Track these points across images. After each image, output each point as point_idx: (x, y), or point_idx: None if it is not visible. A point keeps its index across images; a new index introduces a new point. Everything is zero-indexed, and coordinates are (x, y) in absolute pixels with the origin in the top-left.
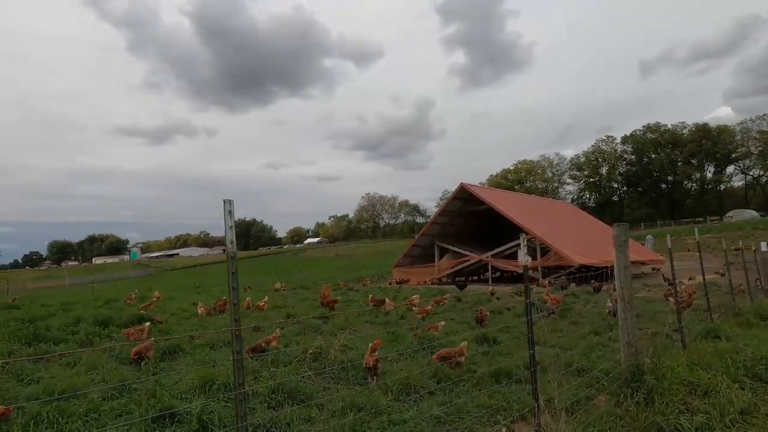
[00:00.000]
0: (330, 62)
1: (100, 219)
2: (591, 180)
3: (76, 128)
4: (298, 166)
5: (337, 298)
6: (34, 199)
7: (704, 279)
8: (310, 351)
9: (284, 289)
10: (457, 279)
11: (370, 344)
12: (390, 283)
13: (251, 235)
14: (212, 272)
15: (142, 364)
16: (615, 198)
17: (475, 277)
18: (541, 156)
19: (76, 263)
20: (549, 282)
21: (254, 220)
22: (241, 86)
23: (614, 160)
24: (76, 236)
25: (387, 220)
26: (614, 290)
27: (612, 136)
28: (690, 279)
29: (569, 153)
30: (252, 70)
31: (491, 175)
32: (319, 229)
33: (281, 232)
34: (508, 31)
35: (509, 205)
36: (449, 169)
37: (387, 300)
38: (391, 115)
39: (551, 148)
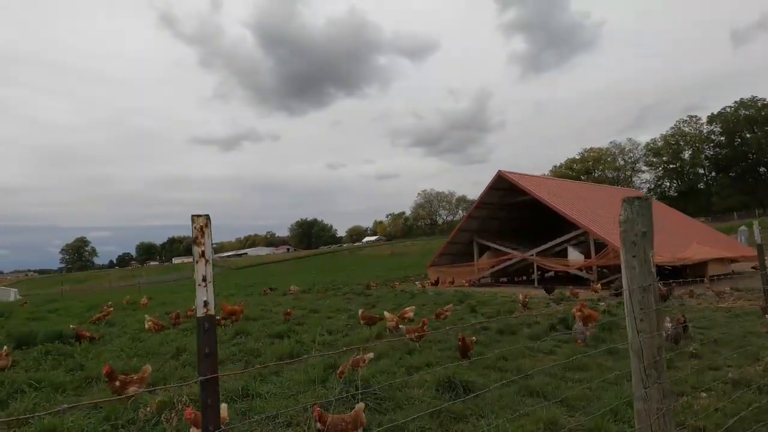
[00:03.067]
0: (384, 60)
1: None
2: (671, 166)
3: (158, 140)
4: (357, 165)
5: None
6: (127, 206)
7: None
8: None
9: (294, 292)
10: (501, 279)
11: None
12: (423, 286)
13: (312, 234)
14: (273, 270)
15: None
16: (701, 185)
17: (523, 277)
18: (611, 143)
19: (157, 263)
20: (601, 285)
21: (315, 219)
22: (300, 90)
23: (699, 143)
24: (161, 238)
25: (444, 217)
26: (689, 297)
27: (696, 116)
28: None
29: (644, 138)
30: (309, 74)
31: (555, 166)
32: (377, 227)
33: (341, 231)
34: (573, 10)
35: (556, 194)
36: (511, 161)
37: (387, 314)
38: (448, 108)
39: (623, 133)
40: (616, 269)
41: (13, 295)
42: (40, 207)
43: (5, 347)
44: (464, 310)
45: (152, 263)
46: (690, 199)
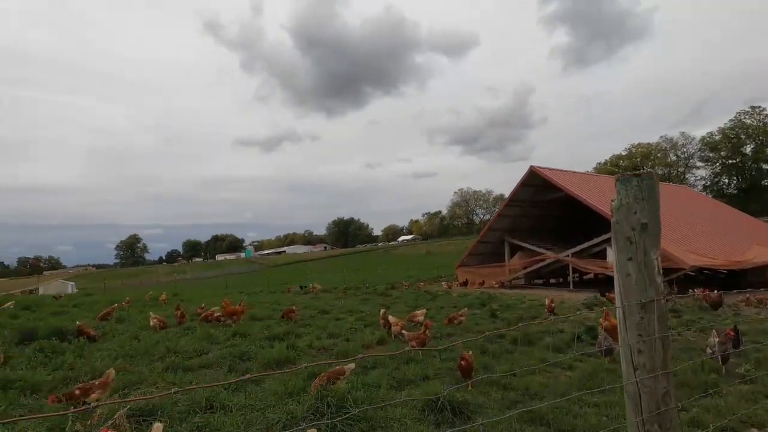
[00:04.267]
0: (422, 58)
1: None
2: (730, 161)
3: (203, 142)
4: (395, 164)
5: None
6: (176, 205)
7: None
8: None
9: (315, 291)
10: (534, 281)
11: None
12: (449, 287)
13: (349, 233)
14: (308, 268)
15: None
16: (765, 182)
17: (559, 279)
18: (661, 137)
19: (202, 260)
20: None
21: (352, 218)
22: (338, 91)
23: (763, 136)
24: (206, 236)
25: (481, 216)
26: (746, 305)
27: (760, 107)
28: None
29: (699, 132)
30: (347, 74)
31: (599, 163)
32: (413, 227)
33: (377, 230)
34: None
35: (593, 190)
36: (554, 158)
37: (392, 318)
38: (487, 105)
39: (676, 127)
40: (665, 272)
41: (70, 288)
42: (99, 206)
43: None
44: (483, 315)
45: (197, 260)
46: (752, 197)
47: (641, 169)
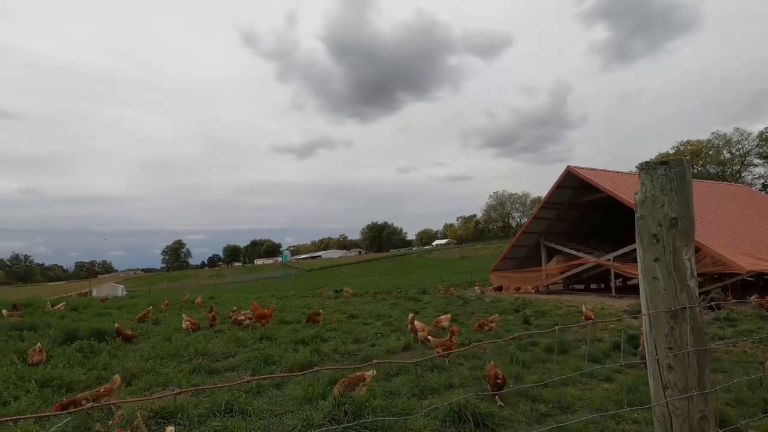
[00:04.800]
0: (455, 60)
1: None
2: None
3: (242, 150)
4: (428, 168)
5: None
6: (217, 211)
7: None
8: None
9: (347, 295)
10: (574, 286)
11: None
12: (482, 292)
13: (383, 237)
14: (343, 272)
15: None
16: None
17: (601, 285)
18: (713, 134)
19: (241, 264)
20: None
21: (386, 223)
22: (371, 97)
23: None
24: (245, 241)
25: (518, 219)
26: None
27: None
28: None
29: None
30: (380, 80)
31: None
32: (447, 231)
33: (411, 234)
34: None
35: (635, 190)
36: (594, 159)
37: (418, 324)
38: (523, 106)
39: (730, 123)
40: (714, 278)
41: (120, 291)
42: (147, 213)
43: (39, 344)
44: (516, 321)
45: (236, 264)
46: None
47: (692, 168)
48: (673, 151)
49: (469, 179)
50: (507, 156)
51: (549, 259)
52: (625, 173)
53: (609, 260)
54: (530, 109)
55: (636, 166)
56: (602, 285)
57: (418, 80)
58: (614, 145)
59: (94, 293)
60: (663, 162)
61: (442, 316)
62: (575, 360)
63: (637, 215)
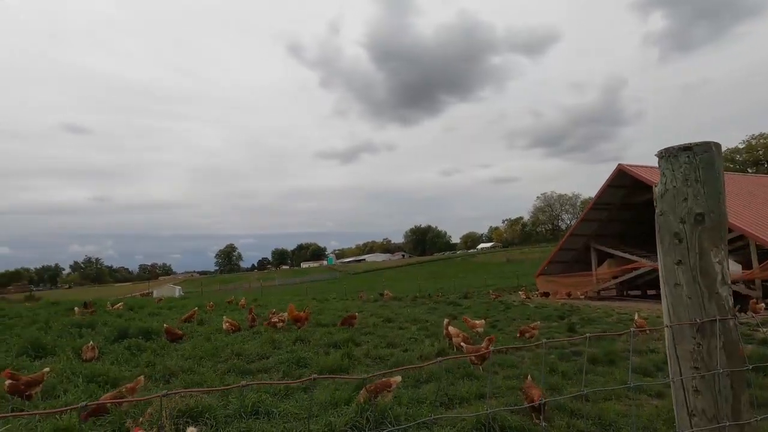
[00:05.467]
0: (498, 59)
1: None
2: None
3: (288, 157)
4: (472, 170)
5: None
6: (266, 216)
7: None
8: None
9: (386, 298)
10: (627, 292)
11: None
12: (527, 297)
13: (426, 241)
14: (386, 276)
15: None
16: None
17: (659, 291)
18: None
19: (288, 267)
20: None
21: (429, 226)
22: (413, 100)
23: None
24: (292, 244)
25: (568, 222)
26: None
27: None
28: None
29: None
30: (422, 82)
31: None
32: (493, 234)
33: (455, 238)
34: None
35: None
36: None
37: (452, 329)
38: (572, 103)
39: None
40: None
41: (177, 291)
42: (202, 218)
43: (91, 341)
44: (560, 329)
45: (284, 267)
46: None
47: (764, 164)
48: (743, 145)
49: (515, 181)
50: (555, 156)
51: (600, 263)
52: None
53: None
54: (580, 107)
55: (655, 155)
56: (660, 291)
57: (461, 81)
58: (673, 141)
59: (155, 294)
60: (686, 147)
61: (477, 321)
62: (622, 372)
63: (657, 211)
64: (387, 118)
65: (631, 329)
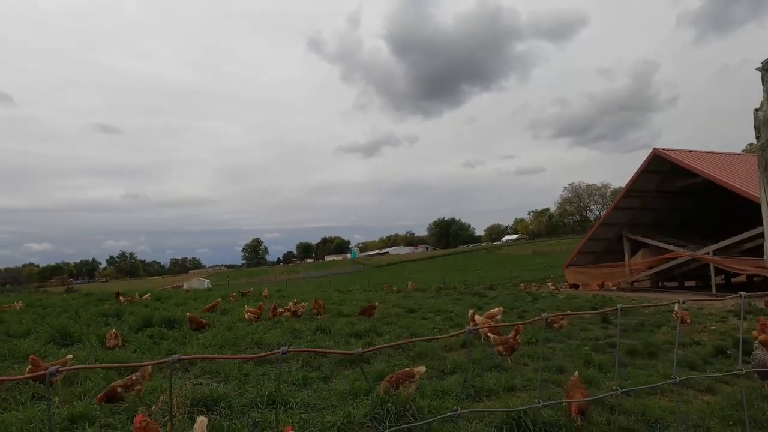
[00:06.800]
0: (522, 46)
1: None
2: None
3: (310, 152)
4: (496, 161)
5: None
6: (290, 211)
7: None
8: None
9: (410, 290)
10: (663, 283)
11: None
12: (555, 288)
13: (450, 233)
14: (410, 269)
15: None
16: None
17: (698, 282)
18: None
19: (312, 261)
20: None
21: (453, 219)
22: (433, 92)
23: None
24: (315, 238)
25: (597, 213)
26: None
27: None
28: None
29: None
30: (443, 73)
31: (750, 145)
32: (518, 225)
33: (479, 230)
34: None
35: (741, 172)
36: (686, 144)
37: (479, 318)
38: (600, 90)
39: None
40: None
41: (206, 284)
42: (229, 214)
43: (114, 329)
44: (593, 320)
45: (308, 260)
46: None
47: None
48: None
49: (541, 171)
50: (582, 145)
51: (633, 253)
52: (728, 153)
53: (708, 254)
54: (608, 94)
55: (757, 69)
56: (699, 282)
57: (483, 70)
58: (710, 128)
59: (184, 286)
60: None
61: (494, 309)
62: (665, 366)
63: (758, 142)
64: (408, 110)
65: (685, 323)
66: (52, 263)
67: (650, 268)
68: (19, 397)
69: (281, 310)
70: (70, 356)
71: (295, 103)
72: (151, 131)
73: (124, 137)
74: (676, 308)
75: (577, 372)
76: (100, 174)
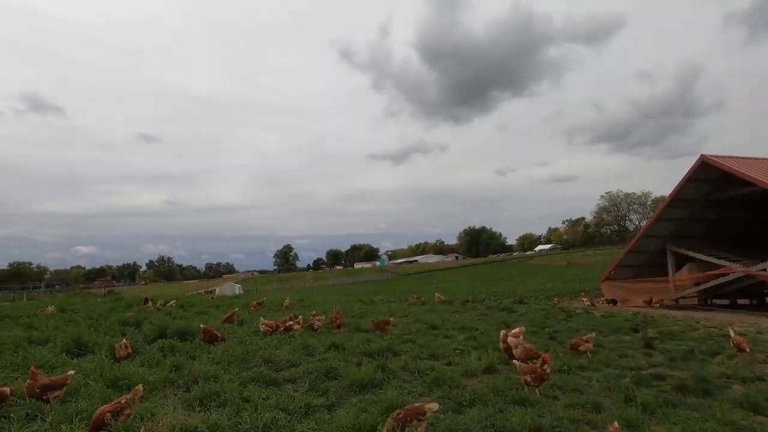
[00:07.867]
0: (556, 51)
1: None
2: None
3: (341, 159)
4: (529, 168)
5: None
6: (322, 217)
7: None
8: None
9: (436, 302)
10: (712, 301)
11: None
12: (591, 303)
13: (481, 242)
14: (439, 277)
15: None
16: None
17: (753, 300)
18: None
19: (342, 267)
20: None
21: (483, 227)
22: (464, 99)
23: None
24: (345, 245)
25: (637, 222)
26: None
27: None
28: None
29: None
30: (473, 81)
31: None
32: (551, 235)
33: (511, 239)
34: None
35: None
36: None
37: (513, 340)
38: (639, 95)
39: None
40: None
41: (237, 289)
42: (262, 220)
43: (124, 340)
44: (634, 344)
45: (338, 267)
46: None
47: None
48: None
49: (576, 179)
50: (621, 152)
51: (678, 267)
52: None
53: (766, 270)
54: (649, 98)
55: None
56: (754, 301)
57: (514, 76)
58: (762, 133)
59: (217, 291)
60: None
61: (517, 328)
62: (722, 405)
63: None
64: (438, 117)
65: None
66: (97, 266)
67: (698, 284)
68: (12, 415)
69: (292, 323)
70: (71, 372)
71: (327, 112)
72: (189, 139)
73: (163, 145)
74: (731, 334)
75: (616, 422)
76: (142, 181)
